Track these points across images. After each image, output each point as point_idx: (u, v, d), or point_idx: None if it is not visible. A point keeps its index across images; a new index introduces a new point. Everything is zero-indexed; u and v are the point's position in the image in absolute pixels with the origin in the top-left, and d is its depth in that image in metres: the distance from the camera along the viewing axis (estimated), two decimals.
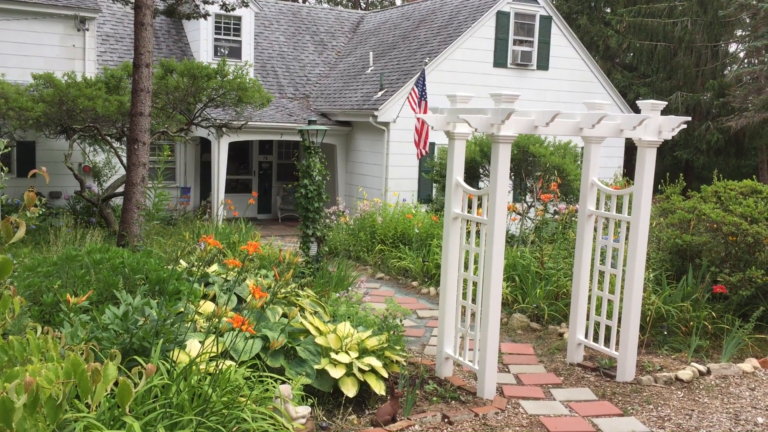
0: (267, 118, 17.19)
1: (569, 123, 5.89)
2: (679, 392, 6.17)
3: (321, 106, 18.90)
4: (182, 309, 5.91)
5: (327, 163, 18.48)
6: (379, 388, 5.42)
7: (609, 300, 6.72)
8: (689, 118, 6.18)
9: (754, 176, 8.29)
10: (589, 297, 6.89)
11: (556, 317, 8.05)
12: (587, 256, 6.80)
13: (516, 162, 14.15)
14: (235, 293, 6.79)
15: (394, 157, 16.63)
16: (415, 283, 10.35)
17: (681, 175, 9.76)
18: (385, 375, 5.55)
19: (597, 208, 6.76)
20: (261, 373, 4.80)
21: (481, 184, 14.91)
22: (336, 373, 5.31)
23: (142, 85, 9.94)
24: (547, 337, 7.81)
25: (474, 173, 14.54)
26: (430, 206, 14.53)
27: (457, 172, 6.18)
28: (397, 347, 6.01)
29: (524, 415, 5.57)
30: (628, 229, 6.43)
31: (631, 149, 27.53)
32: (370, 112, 16.33)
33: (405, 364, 6.22)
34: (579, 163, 14.67)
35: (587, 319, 6.92)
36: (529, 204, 12.98)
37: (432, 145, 16.02)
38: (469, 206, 6.25)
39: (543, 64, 18.18)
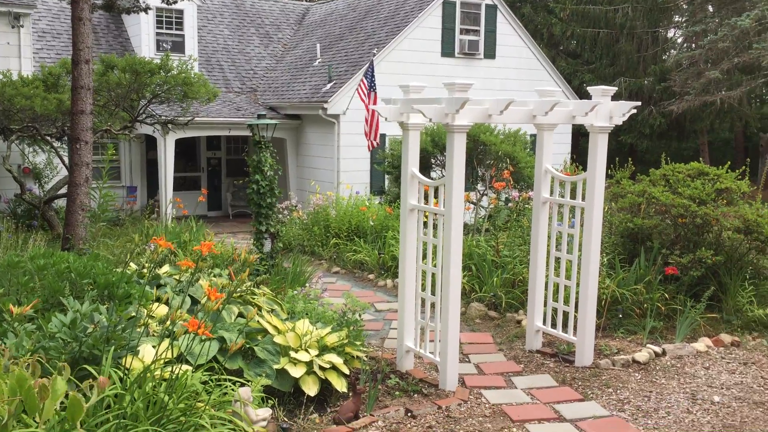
0: (214, 113, 16.86)
1: (523, 111, 5.88)
2: (637, 374, 6.25)
3: (269, 100, 18.64)
4: (133, 313, 5.71)
5: (278, 158, 18.29)
6: (340, 385, 5.33)
7: (566, 286, 6.77)
8: (638, 103, 6.24)
9: (700, 159, 8.45)
10: (546, 284, 6.92)
11: (513, 305, 8.08)
12: (543, 243, 6.83)
13: (468, 151, 14.15)
14: (189, 295, 6.60)
15: (345, 150, 16.50)
16: (371, 276, 10.28)
17: (630, 159, 9.89)
18: (347, 371, 5.46)
19: (551, 195, 6.79)
20: (219, 377, 4.66)
21: (433, 174, 14.91)
22: (296, 372, 5.20)
23: (82, 82, 9.59)
24: (505, 325, 7.83)
25: (426, 163, 14.51)
26: (384, 198, 14.46)
27: (412, 164, 6.11)
28: (357, 342, 5.93)
29: (487, 405, 5.55)
30: (582, 214, 6.48)
31: (577, 135, 27.97)
32: (319, 105, 16.15)
33: (366, 359, 6.14)
34: (528, 150, 14.79)
35: (545, 305, 6.95)
36: (482, 193, 13.02)
37: (383, 136, 15.95)
38: (426, 197, 6.19)
39: (490, 53, 18.26)
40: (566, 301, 6.75)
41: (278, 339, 5.39)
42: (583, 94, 26.59)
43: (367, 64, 14.61)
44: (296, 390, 5.30)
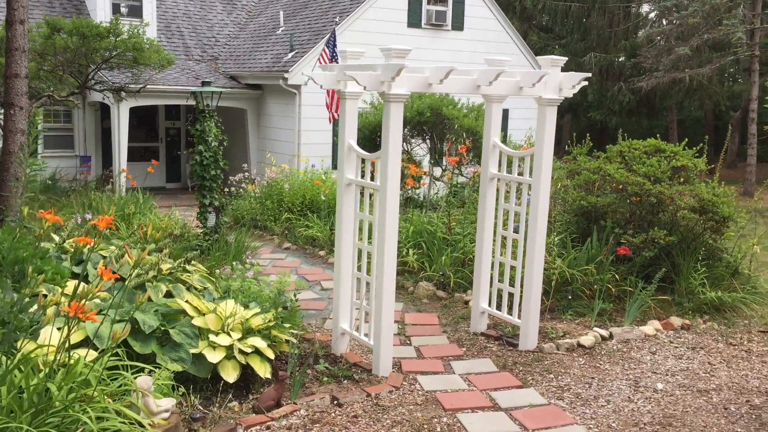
0: (171, 81, 16.26)
1: (466, 80, 5.52)
2: (581, 359, 6.00)
3: (230, 69, 18.05)
4: (44, 291, 5.32)
5: (240, 129, 17.77)
6: (263, 370, 5.00)
7: (512, 266, 6.48)
8: (589, 75, 5.91)
9: (657, 135, 8.18)
10: (493, 263, 6.63)
11: (462, 284, 7.79)
12: (490, 221, 6.52)
13: (430, 125, 13.83)
14: (112, 271, 6.20)
15: (306, 122, 16.03)
16: (322, 253, 9.93)
17: (587, 135, 9.61)
18: (271, 356, 5.13)
19: (499, 171, 6.47)
20: (128, 362, 4.30)
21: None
22: (214, 357, 4.86)
23: (16, 43, 9.02)
24: (452, 305, 7.54)
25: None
26: None
27: (349, 135, 5.74)
28: (286, 325, 5.59)
29: (420, 392, 5.26)
30: (530, 192, 6.17)
31: None
32: (280, 75, 15.64)
33: (296, 342, 5.80)
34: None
35: (491, 286, 6.66)
36: (444, 168, 12.70)
37: None
38: (363, 173, 5.83)
39: (458, 25, 17.82)
40: (512, 282, 6.47)
41: (197, 321, 5.04)
42: None
43: (330, 33, 14.13)
44: (217, 376, 4.96)
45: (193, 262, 7.06)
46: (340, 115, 5.80)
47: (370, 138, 14.00)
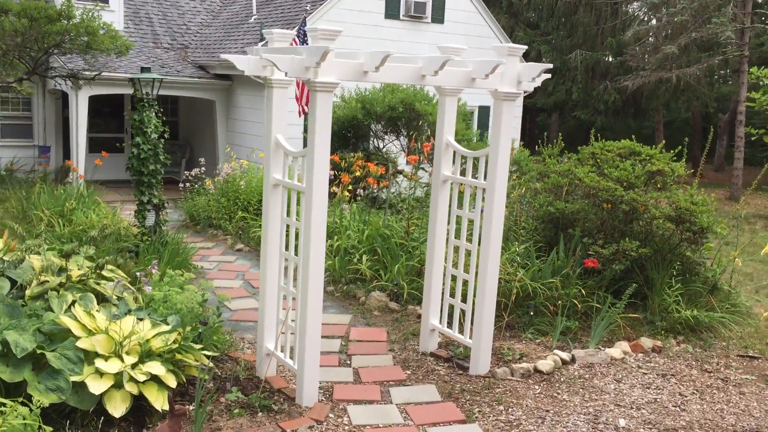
0: (134, 69, 15.43)
1: (408, 69, 4.81)
2: (537, 387, 5.31)
3: (200, 58, 17.25)
4: None
5: (209, 121, 16.98)
6: (160, 402, 4.29)
7: (465, 280, 5.78)
8: (550, 66, 5.21)
9: (638, 137, 7.50)
10: (445, 276, 5.94)
11: (416, 296, 7.09)
12: (442, 228, 5.82)
13: (404, 121, 13.14)
14: (7, 276, 5.47)
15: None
16: None
17: (560, 135, 8.92)
18: (172, 383, 4.41)
19: (453, 173, 5.77)
20: None
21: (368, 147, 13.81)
22: (98, 386, 4.13)
23: None
24: (404, 319, 6.85)
25: (358, 133, 13.43)
26: None
27: (276, 128, 5.02)
28: (197, 346, 4.86)
29: (346, 428, 4.56)
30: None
31: (534, 111, 27.09)
32: None
33: (211, 366, 5.06)
34: (469, 123, 13.80)
35: (442, 301, 5.97)
36: (416, 166, 11.99)
37: None
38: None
39: (438, 17, 17.10)
40: (465, 298, 5.78)
41: (83, 343, 4.31)
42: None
43: (300, 22, 13.39)
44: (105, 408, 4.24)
45: (109, 267, 6.32)
46: (266, 105, 5.09)
47: (340, 134, 13.29)
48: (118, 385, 4.23)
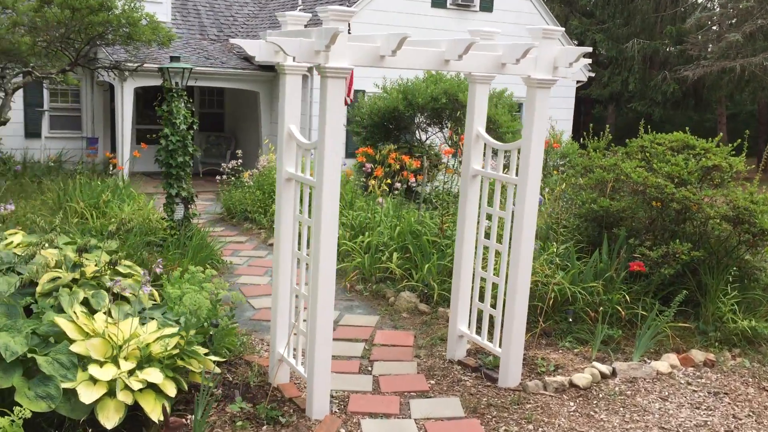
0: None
1: (430, 53, 4.39)
2: (572, 403, 4.84)
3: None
4: None
5: (254, 113, 16.83)
6: (157, 413, 3.99)
7: (494, 283, 5.34)
8: (589, 49, 4.71)
9: (687, 129, 6.89)
10: (474, 279, 5.51)
11: (447, 298, 6.66)
12: (470, 227, 5.39)
13: (448, 112, 12.69)
14: (17, 272, 5.28)
15: (317, 106, 14.97)
16: None
17: (607, 127, 8.34)
18: (172, 392, 4.12)
19: (484, 168, 5.33)
20: None
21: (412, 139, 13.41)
22: (89, 394, 3.86)
23: None
24: (434, 322, 6.45)
25: (400, 125, 13.03)
26: (357, 162, 13.01)
27: (290, 118, 4.67)
28: (202, 350, 4.56)
29: None
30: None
31: (589, 102, 26.12)
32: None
33: (218, 371, 4.74)
34: (516, 114, 13.23)
35: (471, 305, 5.55)
36: (459, 160, 11.52)
37: (362, 93, 14.36)
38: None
39: (487, 5, 16.54)
40: (495, 303, 5.34)
41: (77, 347, 4.05)
42: (593, 58, 24.71)
43: None
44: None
45: (125, 263, 6.09)
46: (280, 93, 4.75)
47: (381, 125, 12.92)
48: (112, 393, 3.96)
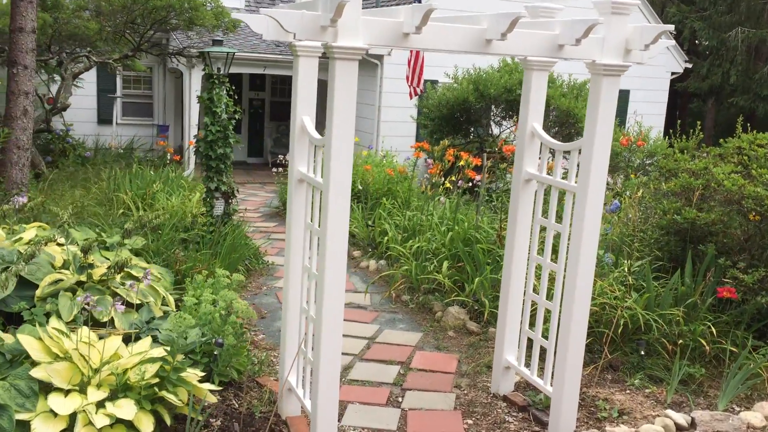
0: (248, 48, 14.99)
1: (466, 31, 3.57)
2: None
3: None
4: None
5: (322, 101, 16.31)
6: None
7: (547, 309, 4.48)
8: (670, 27, 3.78)
9: None
10: (525, 302, 4.67)
11: None
12: (521, 241, 4.55)
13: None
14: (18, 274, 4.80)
15: (388, 97, 14.30)
16: (357, 253, 8.24)
17: (698, 123, 7.24)
18: (148, 429, 3.50)
19: (540, 171, 4.48)
20: None
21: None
22: (46, 430, 3.29)
23: None
24: (482, 345, 5.64)
25: (470, 117, 12.17)
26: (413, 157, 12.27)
27: (303, 108, 3.97)
28: (196, 376, 3.92)
29: None
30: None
31: (677, 97, 24.29)
32: None
33: (202, 402, 4.10)
34: None
35: (520, 332, 4.71)
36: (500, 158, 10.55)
37: (433, 84, 13.53)
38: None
39: None
40: (546, 333, 4.50)
41: (38, 372, 3.48)
42: (692, 48, 22.88)
43: None
44: None
45: (140, 264, 5.56)
46: (293, 78, 4.04)
47: (451, 118, 12.09)
48: (70, 428, 3.38)
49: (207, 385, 4.00)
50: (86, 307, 3.66)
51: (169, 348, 3.89)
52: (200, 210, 7.99)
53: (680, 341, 4.93)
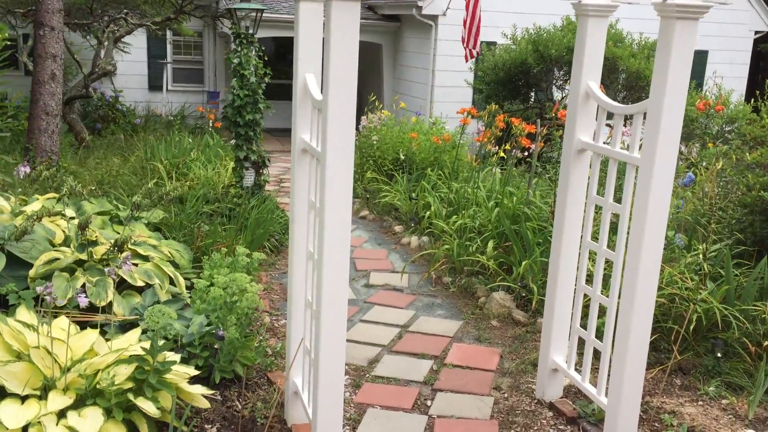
0: (291, 11, 14.39)
1: None
2: None
3: None
4: None
5: (376, 68, 15.61)
6: None
7: (602, 305, 3.75)
8: None
9: None
10: (575, 294, 3.95)
11: None
12: (572, 223, 3.82)
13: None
14: (5, 250, 4.35)
15: (442, 60, 13.49)
16: (398, 228, 7.61)
17: None
18: None
19: (594, 139, 3.72)
20: None
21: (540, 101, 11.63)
22: None
23: None
24: (529, 337, 4.95)
25: (529, 81, 11.27)
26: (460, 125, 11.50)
27: (305, 64, 3.31)
28: (187, 376, 3.37)
29: None
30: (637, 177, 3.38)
31: (761, 59, 22.49)
32: (414, 2, 13.17)
33: (187, 408, 3.56)
34: None
35: (571, 330, 4.00)
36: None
37: (489, 44, 12.65)
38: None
39: None
40: (601, 332, 3.77)
41: None
42: None
43: None
44: None
45: (150, 242, 5.06)
46: (295, 27, 3.38)
47: (508, 81, 11.23)
48: None
49: (198, 388, 3.47)
50: (46, 297, 3.13)
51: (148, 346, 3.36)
52: (232, 180, 7.49)
53: (765, 342, 4.12)
